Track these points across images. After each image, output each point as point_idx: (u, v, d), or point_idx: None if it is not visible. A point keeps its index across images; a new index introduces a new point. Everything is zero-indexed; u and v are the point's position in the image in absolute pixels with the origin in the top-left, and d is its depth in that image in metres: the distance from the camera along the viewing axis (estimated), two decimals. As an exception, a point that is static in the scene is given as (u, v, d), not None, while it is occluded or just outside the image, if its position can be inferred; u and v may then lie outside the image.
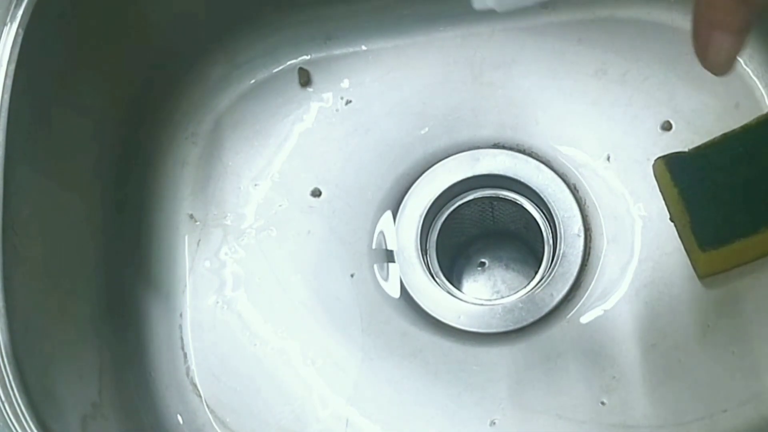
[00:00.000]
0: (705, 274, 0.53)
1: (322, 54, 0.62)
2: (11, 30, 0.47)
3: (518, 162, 0.58)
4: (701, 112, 0.57)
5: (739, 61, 0.58)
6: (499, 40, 0.61)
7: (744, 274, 0.54)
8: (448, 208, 0.59)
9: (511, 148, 0.58)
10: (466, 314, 0.55)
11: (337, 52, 0.62)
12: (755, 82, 0.58)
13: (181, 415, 0.55)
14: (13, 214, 0.46)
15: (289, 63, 0.62)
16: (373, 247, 0.58)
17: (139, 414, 0.54)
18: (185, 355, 0.56)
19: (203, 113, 0.61)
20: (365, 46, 0.62)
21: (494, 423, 0.53)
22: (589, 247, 0.56)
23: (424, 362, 0.55)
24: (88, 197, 0.55)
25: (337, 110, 0.61)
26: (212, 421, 0.55)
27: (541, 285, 0.56)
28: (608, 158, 0.57)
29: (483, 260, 0.64)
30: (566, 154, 0.58)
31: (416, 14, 0.61)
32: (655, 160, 0.55)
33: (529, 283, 0.57)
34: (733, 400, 0.51)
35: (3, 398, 0.43)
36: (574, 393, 0.53)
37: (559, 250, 0.56)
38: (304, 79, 0.61)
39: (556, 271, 0.55)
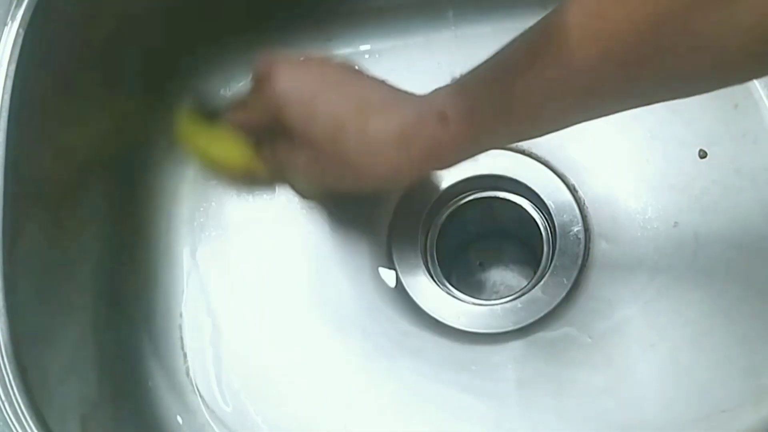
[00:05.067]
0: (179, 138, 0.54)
1: (322, 54, 0.62)
2: (11, 30, 0.47)
3: (518, 162, 0.58)
4: (700, 113, 0.57)
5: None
6: (500, 40, 0.61)
7: (743, 274, 0.54)
8: (448, 208, 0.59)
9: (510, 149, 0.58)
10: (466, 314, 0.55)
11: (337, 52, 0.62)
12: (754, 83, 0.58)
13: (181, 415, 0.55)
14: (13, 215, 0.46)
15: (289, 63, 0.62)
16: (373, 247, 0.58)
17: (139, 414, 0.54)
18: (185, 355, 0.56)
19: (203, 113, 0.61)
20: (365, 46, 0.62)
21: (494, 423, 0.53)
22: (589, 248, 0.56)
23: (424, 362, 0.55)
24: (88, 197, 0.55)
25: (336, 110, 0.61)
26: (212, 421, 0.55)
27: (541, 285, 0.56)
28: (608, 159, 0.57)
29: (483, 260, 0.64)
30: (566, 154, 0.58)
31: (416, 15, 0.61)
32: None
33: (528, 284, 0.57)
34: (731, 400, 0.51)
35: (3, 398, 0.43)
36: (573, 393, 0.53)
37: (559, 250, 0.56)
38: None
39: (556, 271, 0.55)
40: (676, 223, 0.56)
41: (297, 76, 0.47)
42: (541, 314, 0.55)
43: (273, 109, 0.47)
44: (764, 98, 0.57)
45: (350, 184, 0.47)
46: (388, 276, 0.57)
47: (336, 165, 0.46)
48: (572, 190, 0.57)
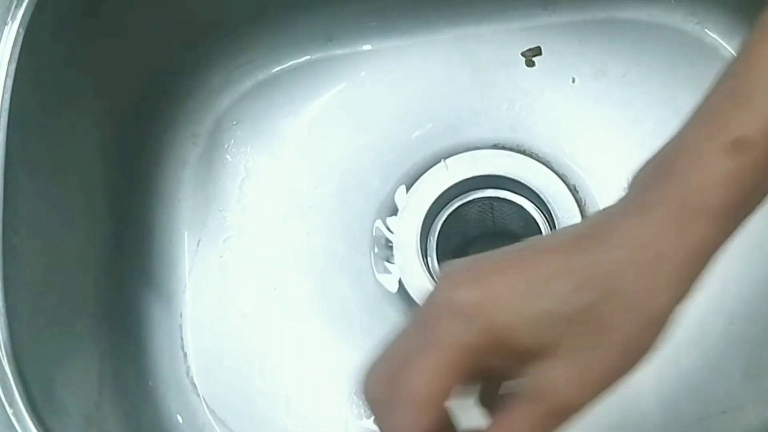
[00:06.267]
0: None
1: (323, 54, 0.62)
2: (11, 30, 0.47)
3: (518, 162, 0.58)
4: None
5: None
6: (500, 40, 0.61)
7: (743, 274, 0.54)
8: (448, 209, 0.59)
9: (511, 149, 0.58)
10: (466, 315, 0.55)
11: (337, 52, 0.62)
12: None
13: (181, 415, 0.55)
14: (13, 214, 0.46)
15: (289, 63, 0.62)
16: (373, 247, 0.58)
17: (139, 414, 0.54)
18: (185, 355, 0.56)
19: (204, 113, 0.61)
20: (366, 46, 0.62)
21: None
22: (589, 248, 0.56)
23: (424, 362, 0.55)
24: (88, 197, 0.55)
25: (337, 110, 0.61)
26: (212, 421, 0.55)
27: (541, 285, 0.55)
28: (608, 159, 0.57)
29: (483, 260, 0.64)
30: (566, 154, 0.58)
31: (417, 15, 0.61)
32: None
33: (528, 284, 0.57)
34: (732, 401, 0.51)
35: (3, 398, 0.43)
36: (573, 393, 0.53)
37: (559, 250, 0.56)
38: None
39: (556, 271, 0.55)
40: (676, 223, 0.56)
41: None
42: (541, 314, 0.55)
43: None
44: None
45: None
46: (389, 277, 0.57)
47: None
48: (573, 191, 0.57)
